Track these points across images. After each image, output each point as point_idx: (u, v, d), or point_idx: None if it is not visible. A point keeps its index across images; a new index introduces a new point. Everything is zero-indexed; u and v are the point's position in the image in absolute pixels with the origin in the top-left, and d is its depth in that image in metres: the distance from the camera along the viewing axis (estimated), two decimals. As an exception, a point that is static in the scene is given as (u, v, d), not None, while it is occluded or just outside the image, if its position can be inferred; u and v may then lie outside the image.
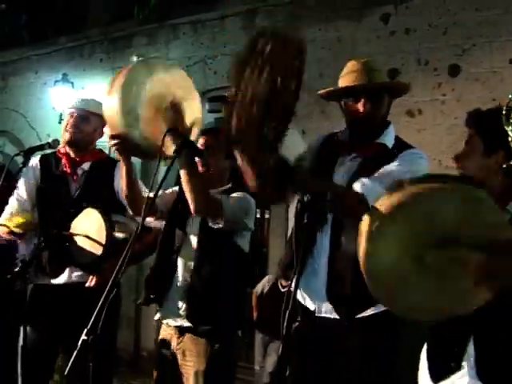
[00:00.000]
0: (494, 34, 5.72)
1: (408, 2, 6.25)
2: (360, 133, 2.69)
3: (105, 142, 3.21)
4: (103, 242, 3.33)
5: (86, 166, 3.72)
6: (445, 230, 1.93)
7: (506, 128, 1.94)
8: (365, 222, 2.00)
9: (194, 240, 3.15)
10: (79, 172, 3.70)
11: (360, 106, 2.61)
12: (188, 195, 2.91)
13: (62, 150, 3.74)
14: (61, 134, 3.76)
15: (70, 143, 3.69)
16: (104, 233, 3.35)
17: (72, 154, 3.71)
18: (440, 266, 1.92)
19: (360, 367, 2.48)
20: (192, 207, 2.92)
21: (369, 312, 2.52)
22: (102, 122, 3.73)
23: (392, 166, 2.54)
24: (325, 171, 2.69)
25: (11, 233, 3.61)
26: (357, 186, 2.45)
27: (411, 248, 1.94)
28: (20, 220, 3.62)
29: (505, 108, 1.97)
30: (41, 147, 3.67)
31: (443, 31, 6.01)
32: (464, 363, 2.14)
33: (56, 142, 3.66)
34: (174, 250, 3.17)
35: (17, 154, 3.74)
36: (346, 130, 2.78)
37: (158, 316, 3.24)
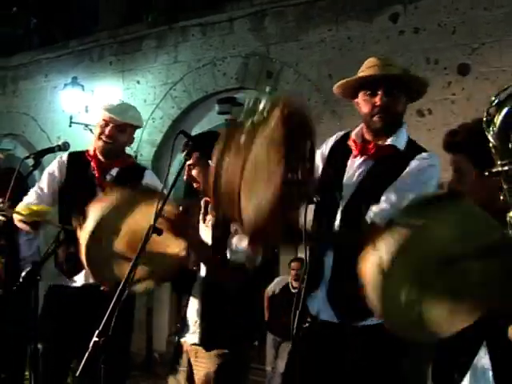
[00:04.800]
0: (502, 32, 5.71)
1: (417, 1, 6.25)
2: (375, 128, 2.62)
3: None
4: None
5: (114, 171, 3.68)
6: (445, 251, 1.87)
7: (486, 134, 1.85)
8: (370, 268, 1.92)
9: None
10: (108, 177, 3.66)
11: (377, 99, 2.57)
12: None
13: (92, 153, 3.71)
14: (70, 135, 3.74)
15: (103, 152, 3.65)
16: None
17: (101, 159, 3.68)
18: (448, 286, 1.88)
19: (365, 373, 2.45)
20: None
21: (374, 321, 2.48)
22: (134, 130, 3.75)
23: (401, 183, 2.51)
24: (336, 171, 2.66)
25: (23, 222, 3.54)
26: (376, 218, 2.43)
27: (418, 279, 1.88)
28: (34, 208, 3.54)
29: (485, 114, 1.88)
30: (51, 150, 3.64)
31: (452, 30, 6.00)
32: (468, 374, 2.12)
33: (66, 145, 3.62)
34: None
35: (27, 157, 3.69)
36: (360, 129, 2.72)
37: (176, 338, 3.20)
